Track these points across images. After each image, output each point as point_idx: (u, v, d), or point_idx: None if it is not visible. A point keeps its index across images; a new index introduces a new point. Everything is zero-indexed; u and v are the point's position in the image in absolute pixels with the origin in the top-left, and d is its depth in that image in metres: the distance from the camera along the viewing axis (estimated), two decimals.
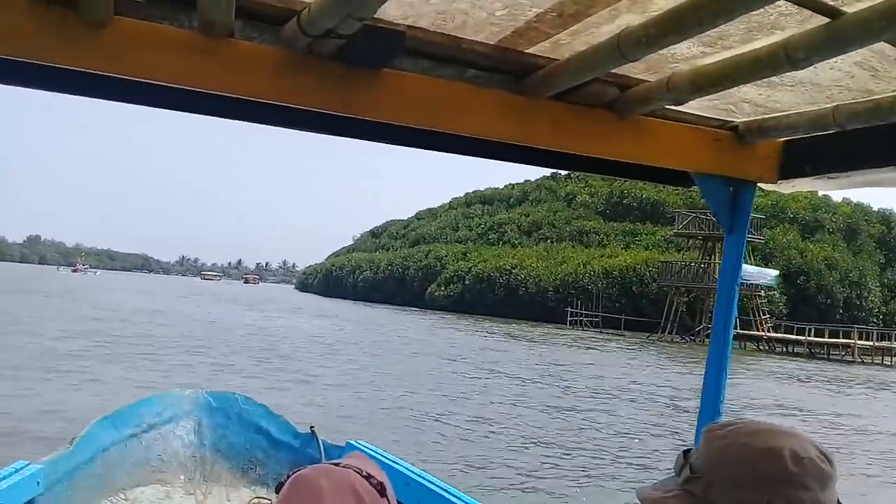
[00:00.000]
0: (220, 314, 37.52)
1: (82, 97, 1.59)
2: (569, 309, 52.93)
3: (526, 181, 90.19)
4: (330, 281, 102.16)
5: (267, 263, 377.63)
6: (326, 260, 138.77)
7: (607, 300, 53.91)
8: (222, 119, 1.72)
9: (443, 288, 70.58)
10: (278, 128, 1.76)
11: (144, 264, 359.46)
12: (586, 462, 10.34)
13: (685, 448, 1.00)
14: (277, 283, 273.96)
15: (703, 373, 2.11)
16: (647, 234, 64.90)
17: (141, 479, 3.33)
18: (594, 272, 56.95)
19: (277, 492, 1.40)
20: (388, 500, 1.37)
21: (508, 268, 63.68)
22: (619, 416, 14.43)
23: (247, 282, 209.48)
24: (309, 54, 1.47)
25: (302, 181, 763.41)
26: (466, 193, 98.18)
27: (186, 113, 1.64)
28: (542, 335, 39.25)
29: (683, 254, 54.06)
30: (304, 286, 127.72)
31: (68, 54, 1.35)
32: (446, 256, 75.16)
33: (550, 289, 58.84)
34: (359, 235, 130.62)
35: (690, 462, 0.96)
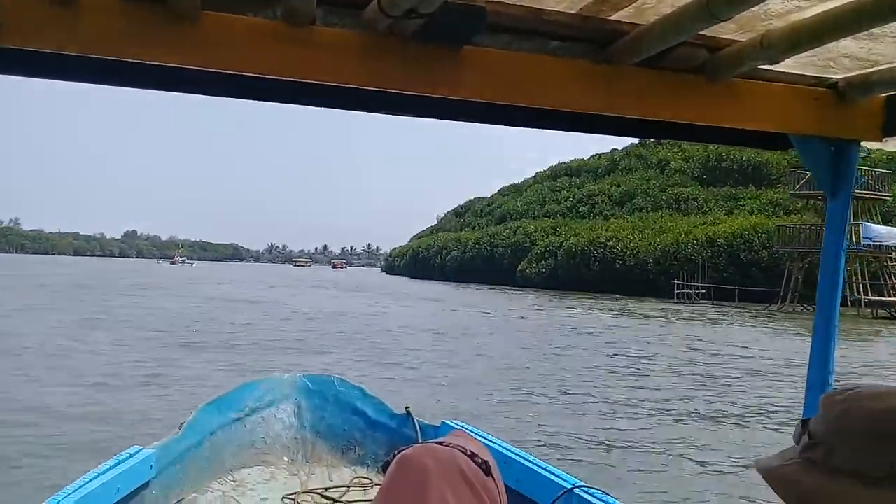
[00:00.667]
0: (334, 304, 35.34)
1: (173, 93, 1.62)
2: (675, 281, 49.63)
3: (613, 150, 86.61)
4: (417, 262, 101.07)
5: (352, 248, 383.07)
6: (411, 242, 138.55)
7: (713, 270, 50.45)
8: (307, 107, 1.72)
9: (534, 265, 68.16)
10: (362, 112, 1.74)
11: (235, 253, 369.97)
12: None
13: (803, 419, 0.96)
14: (363, 266, 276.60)
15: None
16: (749, 199, 60.58)
17: (246, 460, 3.47)
18: (697, 241, 53.39)
19: (384, 471, 1.42)
20: (493, 478, 1.36)
21: (603, 241, 60.66)
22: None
23: (334, 266, 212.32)
24: (390, 36, 1.48)
25: (383, 164, 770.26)
26: (551, 167, 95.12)
27: (273, 102, 1.66)
28: (655, 311, 36.40)
29: (794, 217, 50.20)
30: (391, 269, 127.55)
31: (158, 51, 1.40)
32: (535, 232, 72.60)
33: (650, 261, 55.56)
34: (442, 215, 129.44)
35: (809, 429, 0.93)
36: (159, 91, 1.60)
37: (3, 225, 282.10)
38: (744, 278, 48.58)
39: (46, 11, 1.35)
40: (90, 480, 2.65)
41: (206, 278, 69.28)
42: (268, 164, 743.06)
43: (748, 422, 10.57)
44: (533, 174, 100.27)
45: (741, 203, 60.49)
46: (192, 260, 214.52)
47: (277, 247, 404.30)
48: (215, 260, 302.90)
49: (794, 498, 0.89)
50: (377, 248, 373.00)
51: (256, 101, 1.68)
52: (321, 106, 1.74)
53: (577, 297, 49.83)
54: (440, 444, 1.38)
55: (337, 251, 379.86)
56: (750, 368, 15.93)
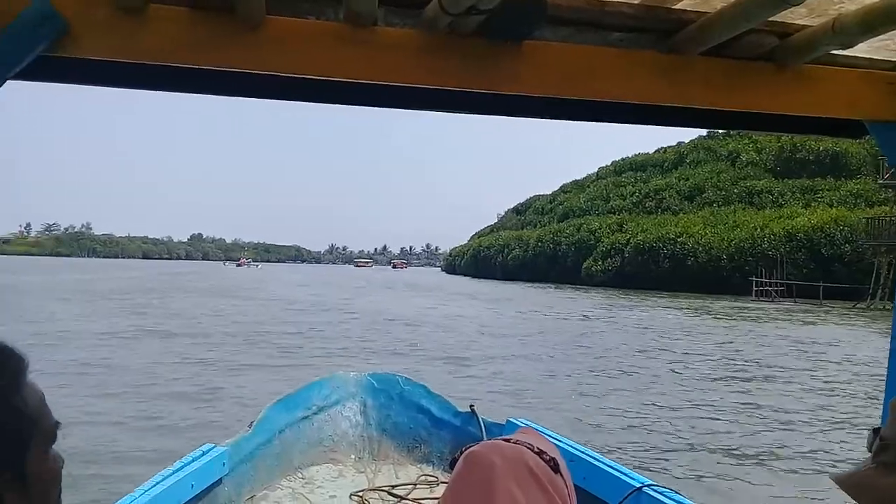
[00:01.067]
0: (405, 306, 34.05)
1: (240, 98, 1.65)
2: (753, 279, 47.13)
3: (679, 143, 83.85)
4: (478, 261, 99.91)
5: (411, 247, 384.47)
6: (470, 240, 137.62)
7: (792, 266, 47.88)
8: (371, 107, 1.75)
9: (599, 262, 66.19)
10: (424, 111, 1.75)
11: (297, 255, 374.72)
12: None
13: (874, 427, 0.96)
14: (422, 266, 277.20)
15: None
16: (828, 190, 57.54)
17: (315, 458, 3.56)
18: (774, 236, 50.86)
19: (451, 469, 1.43)
20: (561, 475, 1.36)
21: (672, 237, 58.42)
22: None
23: (395, 266, 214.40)
24: (450, 34, 1.49)
25: (441, 164, 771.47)
26: (615, 161, 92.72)
27: (337, 104, 1.69)
28: (736, 310, 34.38)
29: (879, 209, 47.34)
30: (451, 268, 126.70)
31: (224, 57, 1.42)
32: (600, 229, 70.57)
33: (724, 257, 53.17)
34: (502, 213, 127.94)
35: (881, 434, 0.93)
36: (225, 97, 1.63)
37: (76, 229, 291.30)
38: (825, 274, 45.82)
39: (114, 21, 1.37)
40: (165, 477, 2.73)
41: (277, 280, 68.97)
42: (327, 167, 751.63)
43: None
44: (595, 170, 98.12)
45: (819, 195, 57.53)
46: (257, 262, 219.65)
47: (338, 248, 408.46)
48: (279, 261, 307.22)
49: (872, 502, 0.89)
50: (436, 247, 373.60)
51: (321, 104, 1.69)
52: (383, 106, 1.73)
53: (648, 295, 47.92)
54: (508, 440, 1.36)
55: (396, 251, 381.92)
56: (875, 374, 14.22)
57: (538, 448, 1.34)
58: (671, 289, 53.02)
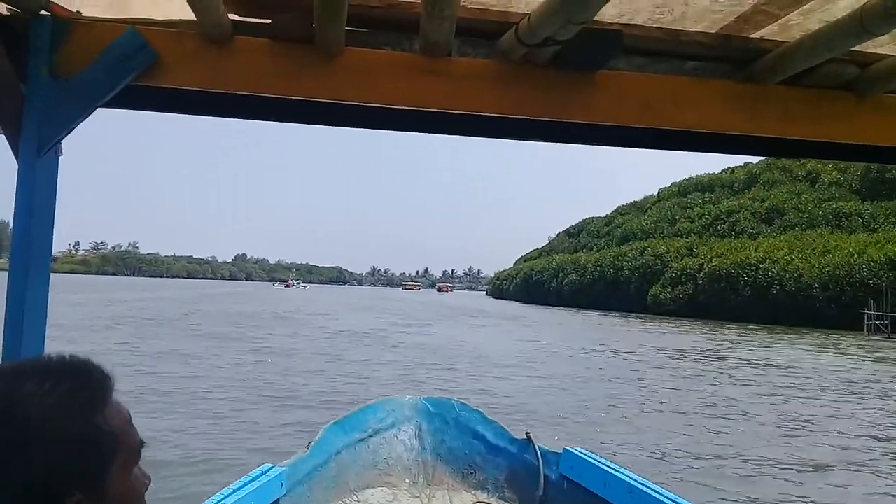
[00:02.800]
0: (477, 335, 29.85)
1: (318, 125, 1.69)
2: (865, 311, 41.28)
3: (747, 163, 78.24)
4: (530, 286, 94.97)
5: (453, 271, 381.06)
6: (516, 265, 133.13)
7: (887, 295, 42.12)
8: (444, 135, 1.78)
9: (668, 290, 60.92)
10: (497, 139, 1.78)
11: (339, 276, 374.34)
12: None
13: None
14: (464, 289, 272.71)
15: None
16: None
17: (370, 481, 3.55)
18: (874, 263, 45.24)
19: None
20: None
21: (753, 262, 53.05)
22: None
23: (440, 290, 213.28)
24: (524, 64, 1.52)
25: (481, 188, 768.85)
26: (678, 182, 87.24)
27: (411, 132, 1.74)
28: (854, 347, 29.05)
29: None
30: (498, 292, 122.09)
31: (306, 86, 1.48)
32: (667, 253, 65.38)
33: (816, 286, 47.55)
34: (553, 236, 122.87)
35: None
36: (304, 124, 1.67)
37: (122, 248, 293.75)
38: None
39: (202, 51, 1.46)
40: (226, 496, 2.75)
41: (333, 304, 63.71)
42: (368, 189, 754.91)
43: None
44: (653, 191, 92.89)
45: None
46: (305, 283, 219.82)
47: (380, 270, 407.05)
48: (320, 283, 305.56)
49: None
50: (478, 270, 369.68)
51: (392, 131, 1.74)
52: (457, 134, 1.73)
53: (728, 327, 42.61)
54: None
55: (438, 274, 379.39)
56: None
57: None
58: (753, 320, 47.65)
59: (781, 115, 1.65)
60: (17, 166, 1.61)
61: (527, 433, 3.74)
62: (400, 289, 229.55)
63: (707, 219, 69.90)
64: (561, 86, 1.55)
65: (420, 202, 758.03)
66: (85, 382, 0.87)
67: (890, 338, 37.42)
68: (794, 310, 47.01)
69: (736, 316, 49.94)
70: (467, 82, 1.53)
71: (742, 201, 68.07)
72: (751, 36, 1.55)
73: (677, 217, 75.13)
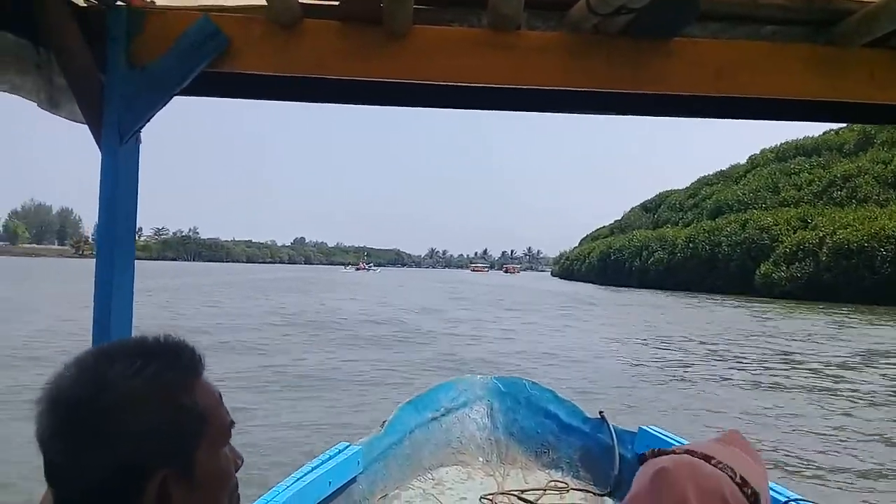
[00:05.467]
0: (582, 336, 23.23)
1: (387, 106, 1.68)
2: None
3: (852, 126, 68.49)
4: (607, 266, 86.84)
5: (512, 252, 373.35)
6: (582, 244, 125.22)
7: None
8: (513, 112, 1.72)
9: (783, 267, 52.33)
10: (568, 113, 1.71)
11: (397, 258, 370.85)
12: None
13: None
14: (523, 270, 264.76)
15: None
16: None
17: (444, 459, 3.59)
18: None
19: (637, 477, 1.29)
20: None
21: (893, 233, 44.31)
22: None
23: (507, 271, 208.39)
24: (595, 34, 1.48)
25: (538, 166, 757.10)
26: (774, 147, 77.69)
27: (480, 110, 1.69)
28: None
29: None
30: (567, 273, 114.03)
31: (374, 67, 1.47)
32: (776, 225, 56.70)
33: None
34: (627, 210, 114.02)
35: None
36: (374, 106, 1.67)
37: (183, 234, 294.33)
38: None
39: (271, 36, 1.46)
40: (305, 474, 2.79)
41: (421, 291, 56.57)
42: (422, 172, 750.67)
43: None
44: (738, 160, 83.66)
45: None
46: (376, 267, 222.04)
47: (437, 251, 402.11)
48: (379, 265, 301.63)
49: None
50: (538, 251, 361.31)
51: (460, 110, 1.69)
52: (528, 110, 1.69)
53: (875, 313, 34.49)
54: (708, 460, 1.19)
55: (496, 255, 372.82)
56: None
57: (741, 477, 1.15)
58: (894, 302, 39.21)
59: (867, 80, 1.55)
60: (93, 155, 1.62)
61: (600, 412, 3.73)
62: (466, 271, 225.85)
63: (819, 185, 60.74)
64: (633, 56, 1.47)
65: (474, 184, 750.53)
66: (174, 362, 0.87)
67: None
68: None
69: (873, 298, 41.46)
70: (537, 56, 1.46)
71: (860, 164, 58.71)
72: None
73: (780, 185, 66.08)
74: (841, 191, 57.47)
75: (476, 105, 1.66)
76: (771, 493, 2.51)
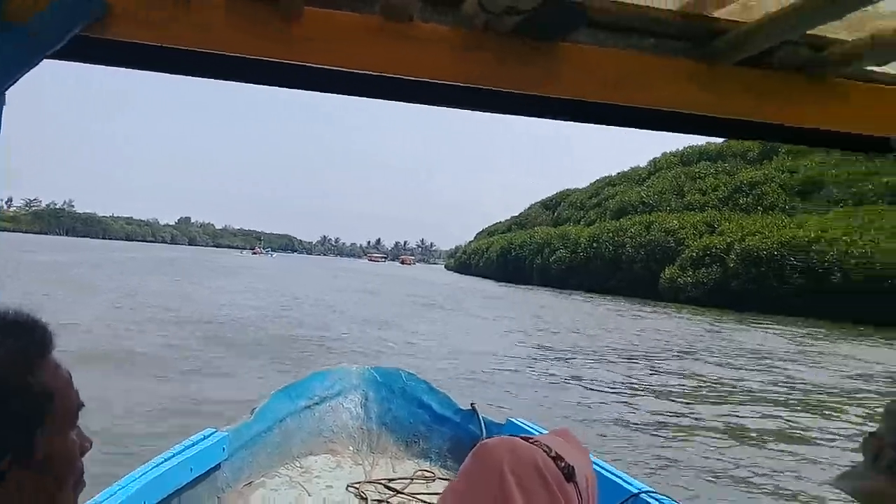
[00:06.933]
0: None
1: (276, 87, 1.64)
2: None
3: None
4: (508, 262, 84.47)
5: (405, 242, 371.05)
6: (478, 239, 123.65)
7: None
8: (404, 102, 1.70)
9: (689, 272, 50.87)
10: (447, 107, 1.72)
11: (289, 244, 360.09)
12: None
13: (870, 432, 0.96)
14: (417, 262, 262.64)
15: None
16: None
17: (314, 448, 3.62)
18: None
19: (454, 463, 1.57)
20: (576, 485, 1.30)
21: (804, 243, 43.32)
22: None
23: (403, 262, 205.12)
24: (486, 31, 1.48)
25: (432, 160, 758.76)
26: (679, 151, 77.22)
27: (369, 98, 1.67)
28: None
29: None
30: (464, 267, 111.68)
31: (263, 46, 1.44)
32: (681, 229, 55.47)
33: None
34: (527, 207, 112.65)
35: (887, 441, 0.92)
36: (260, 85, 1.62)
37: (57, 206, 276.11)
38: None
39: (155, 4, 1.40)
40: (166, 459, 2.75)
41: (335, 282, 53.24)
42: (316, 155, 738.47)
43: None
44: (634, 164, 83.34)
45: None
46: (273, 251, 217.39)
47: (330, 239, 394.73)
48: (270, 250, 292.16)
49: None
50: (430, 243, 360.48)
51: (352, 96, 1.68)
52: (416, 102, 1.69)
53: (797, 323, 33.09)
54: (528, 439, 1.31)
55: (389, 245, 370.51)
56: None
57: (556, 453, 1.26)
58: (807, 313, 38.00)
59: (739, 96, 1.62)
60: None
61: (472, 404, 3.84)
62: (361, 260, 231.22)
63: (725, 191, 60.05)
64: (523, 57, 1.48)
65: (367, 173, 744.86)
66: (19, 339, 0.82)
67: None
68: (870, 304, 37.08)
69: (783, 308, 40.22)
70: (429, 49, 1.45)
71: (766, 171, 58.34)
72: (712, 14, 1.52)
73: (685, 188, 65.22)
74: (747, 197, 56.89)
75: (365, 92, 1.61)
76: (623, 484, 2.82)
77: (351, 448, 3.68)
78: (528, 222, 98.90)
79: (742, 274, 46.08)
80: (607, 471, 2.97)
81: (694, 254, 51.42)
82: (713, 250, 49.79)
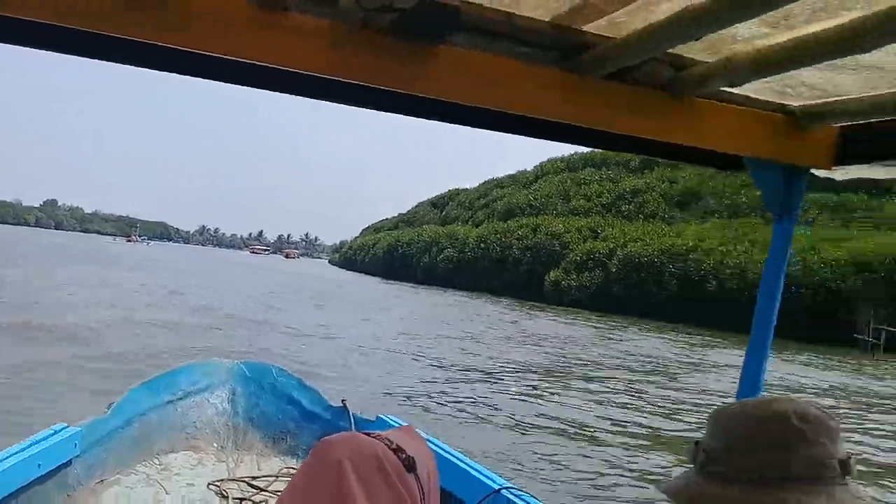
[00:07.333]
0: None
1: (148, 69, 1.59)
2: (871, 323, 33.00)
3: None
4: (395, 259, 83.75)
5: (288, 236, 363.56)
6: (364, 235, 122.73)
7: (864, 303, 35.18)
8: (273, 92, 1.69)
9: (573, 276, 51.91)
10: (325, 101, 1.71)
11: (164, 232, 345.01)
12: None
13: (696, 440, 1.02)
14: (301, 256, 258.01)
15: None
16: (865, 210, 45.45)
17: (175, 444, 3.50)
18: (832, 262, 38.14)
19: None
20: (417, 476, 1.32)
21: (682, 251, 44.93)
22: None
23: (287, 256, 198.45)
24: (364, 28, 1.47)
25: (318, 152, 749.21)
26: (568, 155, 78.73)
27: (242, 86, 1.64)
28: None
29: None
30: (349, 263, 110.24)
31: (140, 29, 1.39)
32: (567, 233, 56.54)
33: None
34: (415, 205, 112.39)
35: (703, 447, 0.98)
36: (129, 66, 1.56)
37: None
38: None
39: None
40: (11, 454, 2.65)
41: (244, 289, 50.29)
42: (195, 139, 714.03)
43: None
44: (522, 167, 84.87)
45: (856, 215, 45.38)
46: (149, 240, 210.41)
47: (209, 229, 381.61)
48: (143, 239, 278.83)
49: None
50: (315, 237, 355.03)
51: (223, 83, 1.64)
52: (290, 93, 1.68)
53: (663, 328, 34.33)
54: (370, 434, 1.32)
55: (272, 237, 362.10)
56: None
57: (397, 445, 1.27)
58: (682, 320, 39.43)
59: (604, 109, 1.66)
60: None
61: (343, 401, 3.79)
62: (243, 252, 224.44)
63: (608, 197, 61.69)
64: (399, 55, 1.48)
65: (254, 162, 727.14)
66: None
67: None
68: (736, 312, 38.86)
69: (662, 314, 41.58)
70: (303, 40, 1.43)
71: (648, 181, 60.38)
72: (581, 28, 1.55)
73: (571, 193, 66.58)
74: (629, 205, 58.62)
75: (239, 80, 1.58)
76: (486, 480, 2.87)
77: (215, 445, 3.61)
78: (417, 220, 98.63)
79: (624, 279, 47.37)
80: (471, 467, 3.01)
81: (578, 258, 52.47)
82: (597, 255, 50.98)
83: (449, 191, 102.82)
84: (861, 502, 0.91)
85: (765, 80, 1.67)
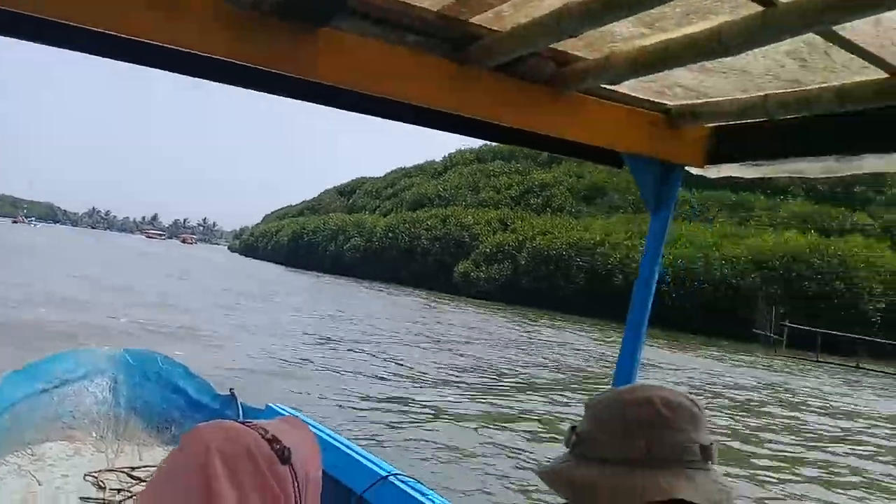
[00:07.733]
0: None
1: (28, 42, 1.51)
2: (772, 320, 34.25)
3: None
4: (300, 247, 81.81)
5: (185, 220, 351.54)
6: (266, 221, 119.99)
7: (762, 302, 36.67)
8: (165, 71, 1.66)
9: (482, 268, 51.89)
10: (214, 81, 1.69)
11: (50, 214, 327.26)
12: None
13: (572, 424, 1.06)
14: (197, 241, 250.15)
15: None
16: (764, 210, 47.30)
17: (50, 434, 3.37)
18: (734, 259, 39.47)
19: None
20: (291, 467, 1.30)
21: (590, 245, 45.56)
22: None
23: (184, 241, 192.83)
24: (250, 8, 1.46)
25: (220, 133, 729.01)
26: (478, 147, 78.90)
27: (125, 62, 1.61)
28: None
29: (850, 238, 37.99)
30: (250, 250, 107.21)
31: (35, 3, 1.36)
32: (476, 225, 56.54)
33: (668, 280, 40.74)
34: (321, 192, 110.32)
35: (577, 431, 1.03)
36: (14, 39, 1.51)
37: None
38: (812, 318, 34.91)
39: None
40: None
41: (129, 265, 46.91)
42: (89, 122, 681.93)
43: None
44: (440, 157, 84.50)
45: (753, 214, 47.20)
46: (37, 221, 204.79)
47: (100, 211, 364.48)
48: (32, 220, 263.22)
49: (570, 491, 0.99)
50: (213, 223, 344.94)
51: (114, 61, 1.60)
52: (173, 71, 1.64)
53: (577, 321, 34.74)
54: (246, 423, 1.31)
55: (167, 223, 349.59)
56: None
57: (272, 435, 1.24)
58: (588, 313, 40.04)
59: (489, 100, 1.69)
60: None
61: (230, 389, 3.73)
62: (137, 236, 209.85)
63: (517, 190, 62.09)
64: (286, 38, 1.47)
65: (147, 144, 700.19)
66: None
67: (796, 354, 31.13)
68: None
69: (569, 307, 42.08)
70: (185, 17, 1.40)
71: (556, 175, 61.07)
72: (468, 20, 1.57)
73: (481, 185, 66.66)
74: (538, 198, 59.19)
75: (125, 58, 1.53)
76: (373, 467, 2.91)
77: (94, 434, 3.53)
78: (322, 207, 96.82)
79: (532, 272, 47.71)
80: (359, 454, 3.04)
81: (488, 250, 52.58)
82: (506, 247, 51.18)
83: (355, 179, 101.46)
84: (719, 486, 0.95)
85: (643, 79, 1.70)
